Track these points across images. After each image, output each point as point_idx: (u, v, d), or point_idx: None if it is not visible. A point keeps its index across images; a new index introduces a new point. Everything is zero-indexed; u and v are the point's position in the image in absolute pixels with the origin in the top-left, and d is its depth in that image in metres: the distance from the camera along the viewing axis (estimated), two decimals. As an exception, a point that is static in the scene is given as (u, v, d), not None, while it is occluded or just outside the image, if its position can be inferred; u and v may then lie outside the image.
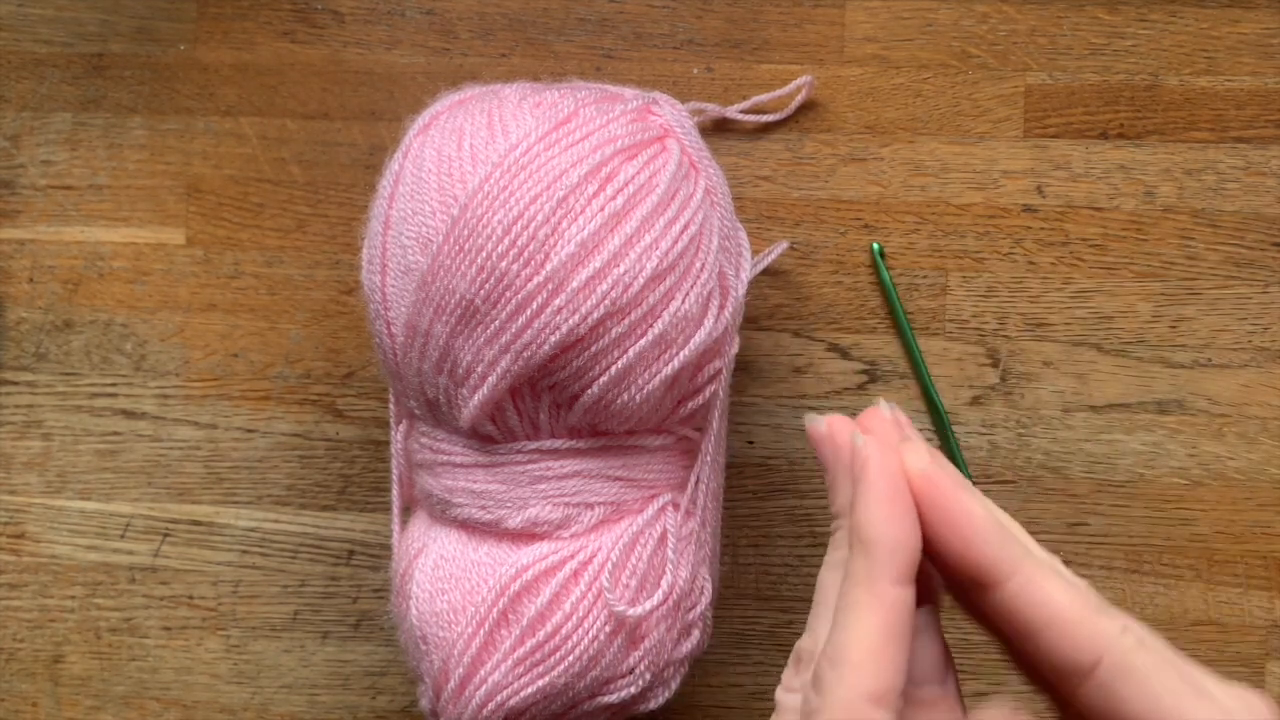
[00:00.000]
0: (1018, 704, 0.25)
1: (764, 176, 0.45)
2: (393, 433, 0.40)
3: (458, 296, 0.33)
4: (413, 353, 0.35)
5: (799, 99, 0.45)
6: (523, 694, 0.35)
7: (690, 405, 0.36)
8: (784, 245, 0.44)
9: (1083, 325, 0.45)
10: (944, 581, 0.27)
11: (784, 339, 0.45)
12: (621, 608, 0.35)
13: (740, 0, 0.45)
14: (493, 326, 0.33)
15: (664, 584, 0.36)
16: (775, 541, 0.45)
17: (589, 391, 0.34)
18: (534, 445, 0.36)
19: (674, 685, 0.38)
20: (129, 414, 0.46)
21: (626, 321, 0.33)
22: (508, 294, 0.33)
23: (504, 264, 0.33)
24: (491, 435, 0.36)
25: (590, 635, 0.35)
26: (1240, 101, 0.44)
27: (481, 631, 0.35)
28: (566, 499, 0.36)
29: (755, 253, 0.42)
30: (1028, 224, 0.45)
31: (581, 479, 0.36)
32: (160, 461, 0.46)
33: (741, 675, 0.45)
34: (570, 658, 0.35)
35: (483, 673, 0.35)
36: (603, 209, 0.33)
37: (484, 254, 0.33)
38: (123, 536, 0.46)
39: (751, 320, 0.45)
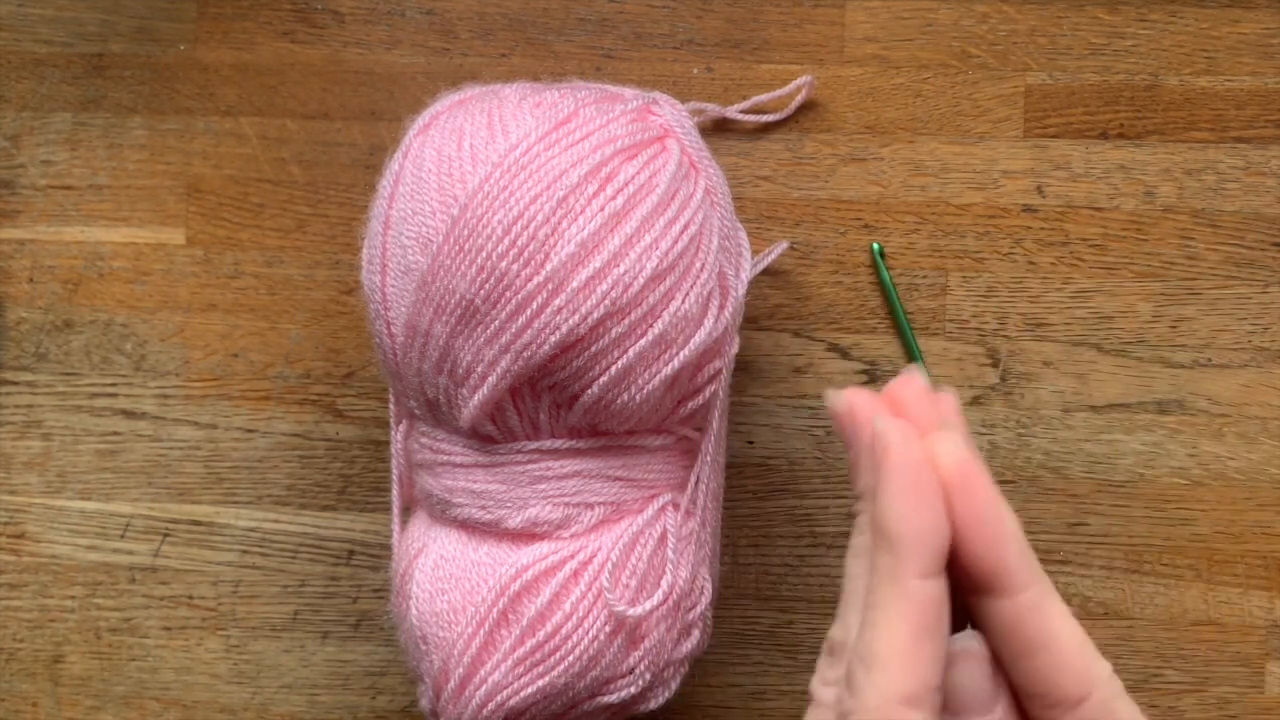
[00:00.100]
0: None
1: (764, 176, 0.45)
2: (393, 433, 0.40)
3: (458, 296, 0.33)
4: (413, 353, 0.35)
5: (799, 99, 0.45)
6: (523, 694, 0.35)
7: (690, 405, 0.36)
8: (784, 245, 0.44)
9: (1083, 325, 0.45)
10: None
11: (784, 339, 0.45)
12: (621, 608, 0.35)
13: (740, 0, 0.45)
14: (493, 326, 0.33)
15: (664, 584, 0.36)
16: (775, 541, 0.45)
17: (589, 391, 0.34)
18: (534, 445, 0.36)
19: (674, 685, 0.38)
20: (129, 414, 0.46)
21: (626, 321, 0.33)
22: (508, 294, 0.33)
23: (504, 264, 0.33)
24: (491, 435, 0.36)
25: (590, 635, 0.35)
26: (1240, 101, 0.44)
27: (481, 631, 0.35)
28: (566, 499, 0.36)
29: (755, 253, 0.42)
30: (1028, 224, 0.45)
31: (581, 479, 0.36)
32: (160, 461, 0.46)
33: (741, 675, 0.45)
34: (570, 658, 0.35)
35: (483, 673, 0.35)
36: (603, 209, 0.33)
37: (484, 254, 0.33)
38: (123, 536, 0.46)
39: (751, 320, 0.45)
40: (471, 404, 0.35)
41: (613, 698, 0.36)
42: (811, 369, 0.45)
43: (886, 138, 0.45)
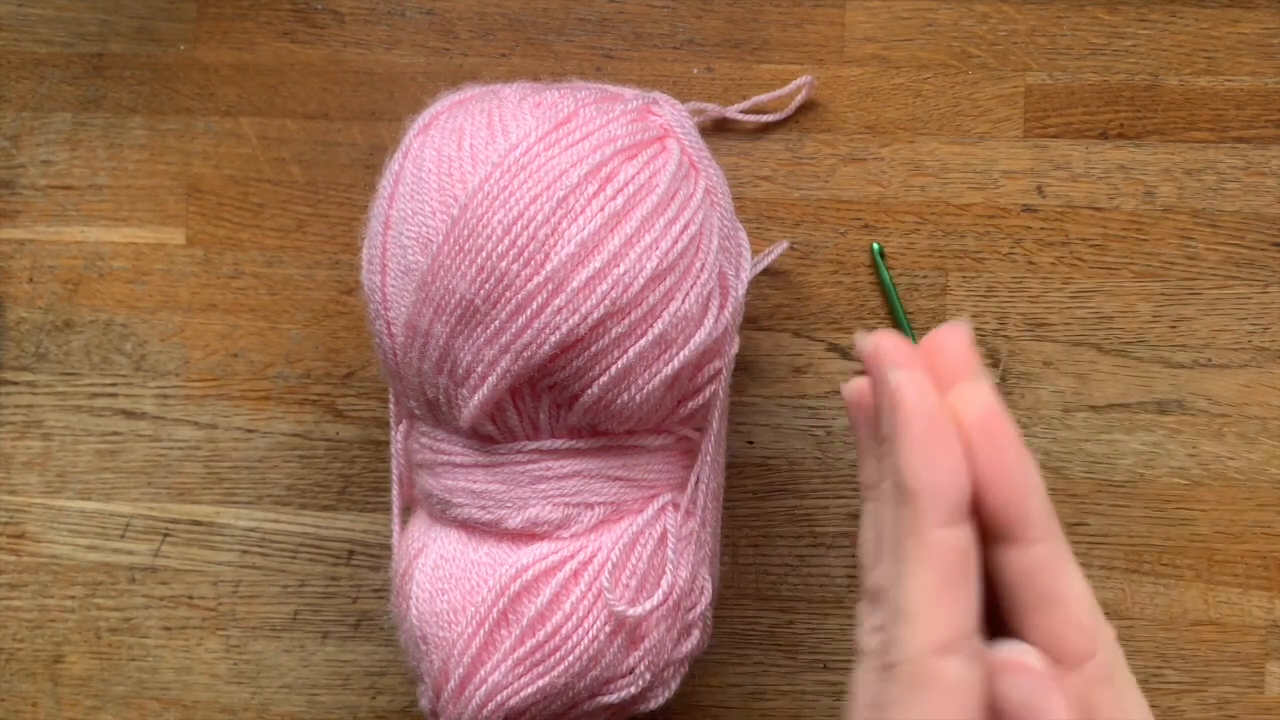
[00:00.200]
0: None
1: (764, 176, 0.45)
2: (393, 433, 0.40)
3: (458, 296, 0.33)
4: (413, 353, 0.35)
5: (799, 99, 0.45)
6: (523, 694, 0.35)
7: (690, 405, 0.36)
8: (784, 245, 0.44)
9: (1083, 325, 0.45)
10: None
11: (784, 339, 0.45)
12: (621, 608, 0.35)
13: (740, 0, 0.45)
14: (493, 326, 0.33)
15: (664, 584, 0.36)
16: (775, 541, 0.45)
17: (589, 391, 0.34)
18: (534, 445, 0.36)
19: (674, 685, 0.38)
20: (129, 414, 0.46)
21: (626, 321, 0.33)
22: (508, 294, 0.33)
23: (504, 264, 0.33)
24: (491, 435, 0.36)
25: (590, 635, 0.35)
26: (1240, 101, 0.44)
27: (481, 631, 0.35)
28: (566, 499, 0.36)
29: (755, 253, 0.42)
30: (1028, 224, 0.45)
31: (581, 479, 0.36)
32: (160, 461, 0.46)
33: (741, 675, 0.45)
34: (570, 658, 0.35)
35: (483, 673, 0.35)
36: (603, 209, 0.33)
37: (484, 254, 0.33)
38: (123, 536, 0.46)
39: (751, 320, 0.45)
40: (471, 404, 0.35)
41: (613, 698, 0.36)
42: (811, 369, 0.45)
43: (886, 138, 0.45)
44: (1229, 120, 0.44)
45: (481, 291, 0.33)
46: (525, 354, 0.33)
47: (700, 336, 0.35)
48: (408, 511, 0.40)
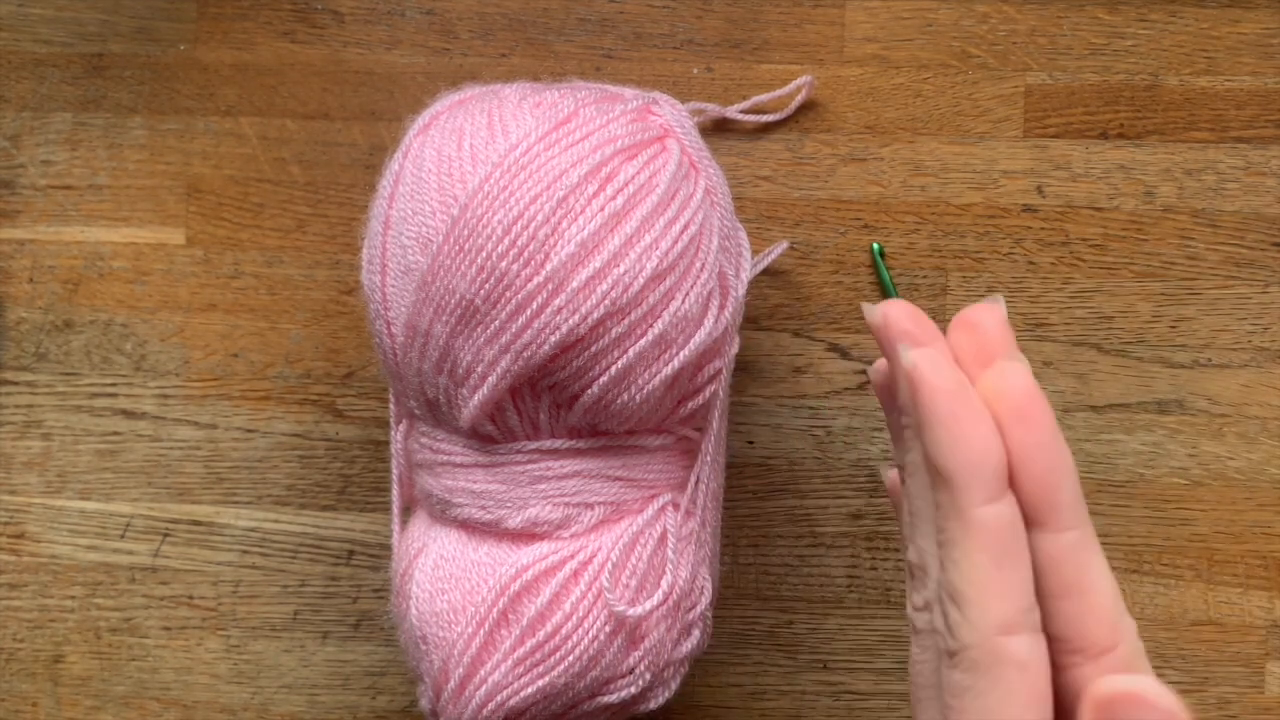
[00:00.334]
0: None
1: (764, 176, 0.45)
2: (393, 433, 0.40)
3: (458, 296, 0.33)
4: (413, 353, 0.35)
5: (799, 99, 0.45)
6: (523, 694, 0.35)
7: (690, 405, 0.36)
8: (784, 245, 0.44)
9: (1083, 325, 0.45)
10: None
11: (784, 339, 0.45)
12: (621, 608, 0.35)
13: (740, 0, 0.45)
14: (493, 326, 0.33)
15: (664, 584, 0.36)
16: (775, 541, 0.45)
17: (589, 391, 0.34)
18: (534, 445, 0.36)
19: (674, 685, 0.38)
20: (129, 414, 0.46)
21: (626, 321, 0.33)
22: (508, 294, 0.33)
23: (504, 264, 0.33)
24: (491, 435, 0.36)
25: (590, 635, 0.35)
26: (1240, 101, 0.44)
27: (481, 631, 0.35)
28: (566, 499, 0.36)
29: (755, 253, 0.42)
30: (1028, 224, 0.45)
31: (581, 479, 0.36)
32: (160, 461, 0.46)
33: (741, 675, 0.45)
34: (570, 658, 0.35)
35: (483, 673, 0.35)
36: (603, 209, 0.33)
37: (484, 254, 0.33)
38: (123, 536, 0.46)
39: (751, 320, 0.45)
40: (471, 404, 0.35)
41: (613, 698, 0.36)
42: (811, 369, 0.45)
43: (886, 138, 0.45)
44: (1229, 120, 0.44)
45: (481, 291, 0.33)
46: (525, 354, 0.33)
47: (700, 336, 0.35)
48: (408, 511, 0.40)
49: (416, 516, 0.39)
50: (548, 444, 0.36)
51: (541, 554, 0.35)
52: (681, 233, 0.34)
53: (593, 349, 0.33)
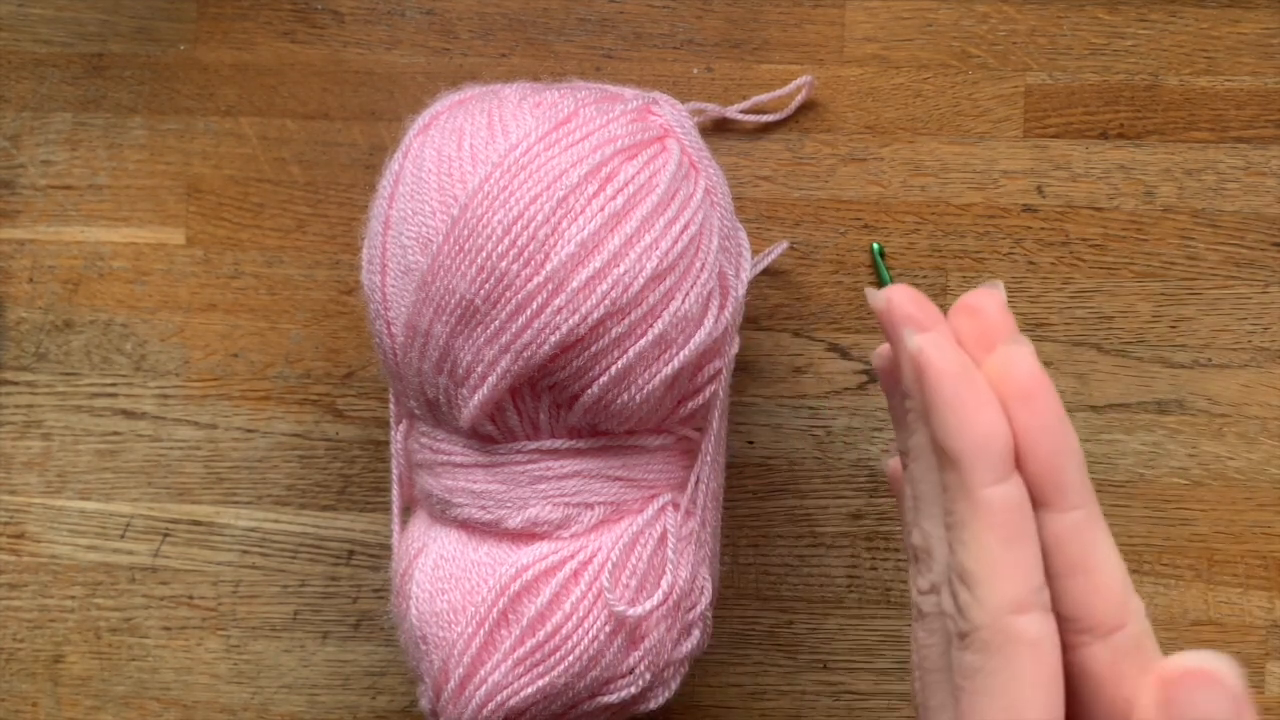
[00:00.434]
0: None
1: (764, 176, 0.45)
2: (393, 433, 0.40)
3: (458, 296, 0.33)
4: (413, 353, 0.35)
5: (799, 99, 0.45)
6: (523, 694, 0.35)
7: (690, 405, 0.36)
8: (784, 245, 0.44)
9: (1083, 325, 0.45)
10: None
11: (784, 339, 0.45)
12: (621, 608, 0.35)
13: (740, 0, 0.45)
14: (493, 326, 0.33)
15: (664, 584, 0.36)
16: (775, 541, 0.45)
17: (589, 391, 0.34)
18: (534, 445, 0.36)
19: (674, 685, 0.38)
20: (129, 414, 0.46)
21: (626, 321, 0.33)
22: (508, 294, 0.33)
23: (504, 264, 0.33)
24: (491, 435, 0.36)
25: (590, 635, 0.35)
26: (1240, 101, 0.44)
27: (481, 631, 0.35)
28: (566, 499, 0.36)
29: (755, 253, 0.42)
30: (1028, 224, 0.45)
31: (581, 479, 0.36)
32: (160, 461, 0.46)
33: (741, 675, 0.45)
34: (570, 658, 0.35)
35: (483, 673, 0.35)
36: (603, 209, 0.33)
37: (484, 254, 0.33)
38: (123, 536, 0.46)
39: (751, 320, 0.45)
40: (471, 404, 0.35)
41: (613, 698, 0.36)
42: (811, 369, 0.45)
43: (886, 138, 0.45)
44: (1229, 120, 0.44)
45: (481, 291, 0.33)
46: (525, 354, 0.33)
47: (700, 336, 0.35)
48: (408, 511, 0.40)
49: (416, 516, 0.39)
50: (548, 444, 0.36)
51: (541, 554, 0.35)
52: (681, 233, 0.34)
53: (593, 349, 0.33)
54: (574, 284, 0.33)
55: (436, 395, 0.36)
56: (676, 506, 0.37)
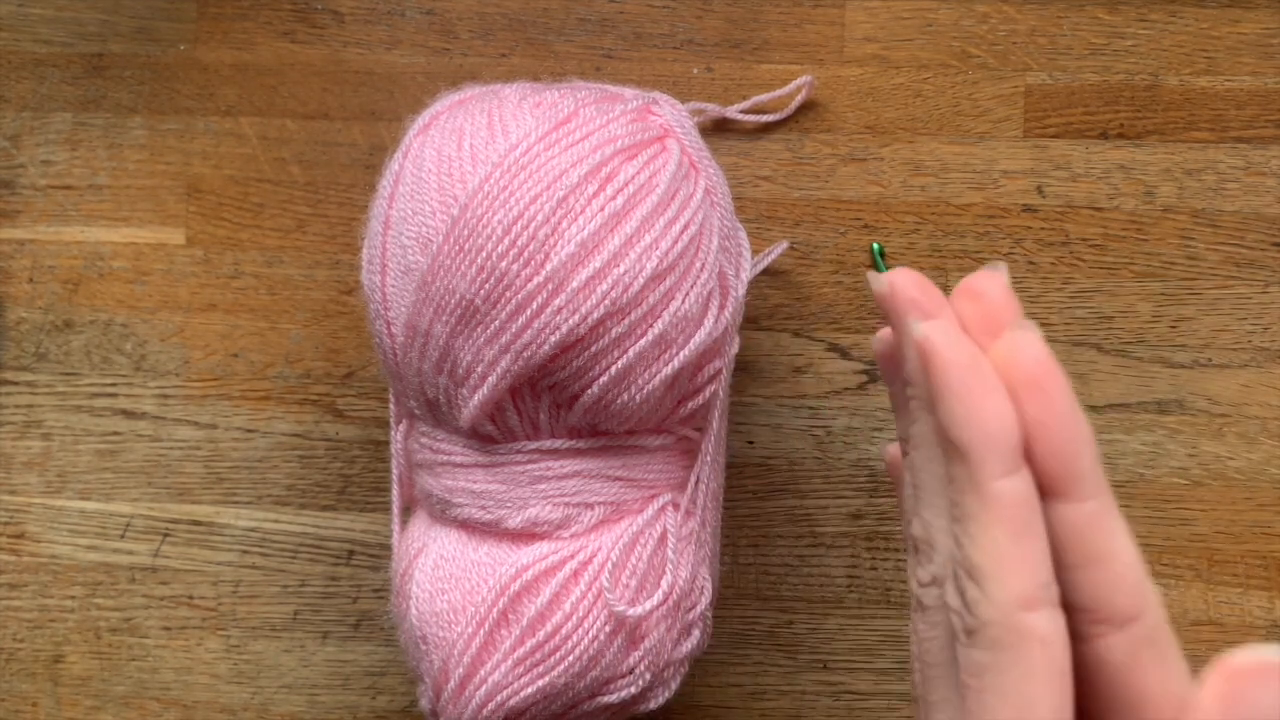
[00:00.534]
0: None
1: (764, 176, 0.45)
2: (393, 433, 0.40)
3: (458, 296, 0.33)
4: (413, 353, 0.35)
5: (799, 99, 0.45)
6: (523, 694, 0.35)
7: (690, 405, 0.36)
8: (784, 245, 0.44)
9: (1083, 325, 0.45)
10: None
11: (784, 339, 0.45)
12: (621, 608, 0.35)
13: (740, 0, 0.45)
14: (493, 326, 0.33)
15: (664, 584, 0.36)
16: (775, 541, 0.45)
17: (589, 391, 0.34)
18: (534, 445, 0.36)
19: (674, 685, 0.38)
20: (129, 414, 0.46)
21: (626, 321, 0.33)
22: (508, 294, 0.33)
23: (504, 264, 0.33)
24: (491, 435, 0.36)
25: (590, 635, 0.35)
26: (1240, 101, 0.44)
27: (481, 631, 0.35)
28: (566, 499, 0.36)
29: (755, 253, 0.42)
30: (1028, 224, 0.45)
31: (581, 479, 0.36)
32: (160, 461, 0.46)
33: (741, 675, 0.45)
34: (570, 658, 0.35)
35: (483, 673, 0.35)
36: (603, 209, 0.33)
37: (484, 254, 0.33)
38: (123, 536, 0.46)
39: (751, 320, 0.45)
40: (471, 404, 0.35)
41: (613, 698, 0.36)
42: (811, 369, 0.45)
43: (886, 138, 0.45)
44: (1229, 120, 0.44)
45: (481, 291, 0.33)
46: (525, 354, 0.33)
47: (700, 336, 0.35)
48: (408, 511, 0.40)
49: (416, 516, 0.39)
50: (548, 444, 0.36)
51: (541, 554, 0.35)
52: (681, 233, 0.34)
53: (593, 349, 0.33)
54: (574, 284, 0.33)
55: (436, 395, 0.36)
56: (676, 506, 0.37)
